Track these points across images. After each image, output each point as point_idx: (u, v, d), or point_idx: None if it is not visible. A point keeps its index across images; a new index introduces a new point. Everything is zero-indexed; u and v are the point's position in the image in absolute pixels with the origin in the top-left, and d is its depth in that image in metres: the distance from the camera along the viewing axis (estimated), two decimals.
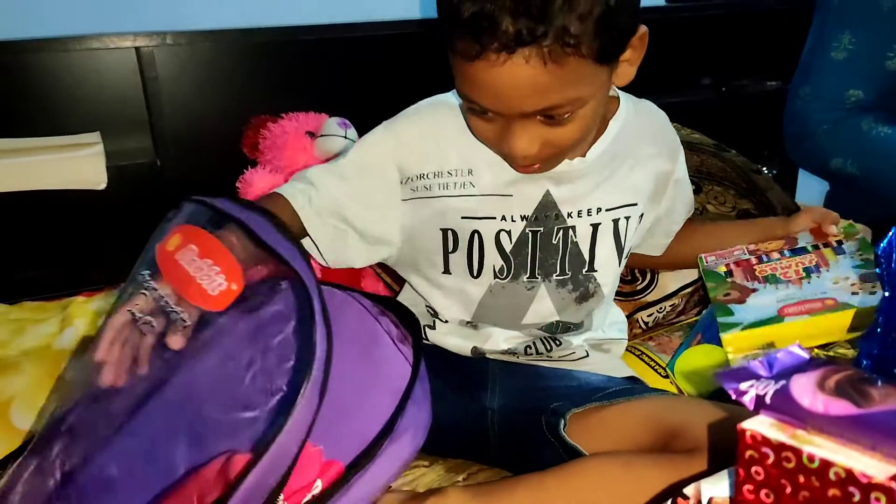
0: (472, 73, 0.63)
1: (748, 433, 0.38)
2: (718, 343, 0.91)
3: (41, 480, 0.59)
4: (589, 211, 0.78)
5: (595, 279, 0.81)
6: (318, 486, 0.56)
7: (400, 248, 0.83)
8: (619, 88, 0.80)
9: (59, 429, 0.61)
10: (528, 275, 0.79)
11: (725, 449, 0.61)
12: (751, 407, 0.39)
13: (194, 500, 0.52)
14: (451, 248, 0.80)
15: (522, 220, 0.77)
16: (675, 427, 0.68)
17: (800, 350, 0.44)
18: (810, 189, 1.53)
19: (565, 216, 0.78)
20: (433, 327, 0.86)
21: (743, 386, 0.40)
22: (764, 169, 1.42)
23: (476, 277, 0.80)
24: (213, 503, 0.49)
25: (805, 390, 0.38)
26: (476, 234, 0.78)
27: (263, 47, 1.19)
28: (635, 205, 0.81)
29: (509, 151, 0.68)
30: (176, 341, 0.57)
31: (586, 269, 0.80)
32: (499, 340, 0.82)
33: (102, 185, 1.06)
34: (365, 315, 0.68)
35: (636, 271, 1.07)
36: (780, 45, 1.63)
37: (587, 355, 0.84)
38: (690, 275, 1.10)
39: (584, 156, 0.76)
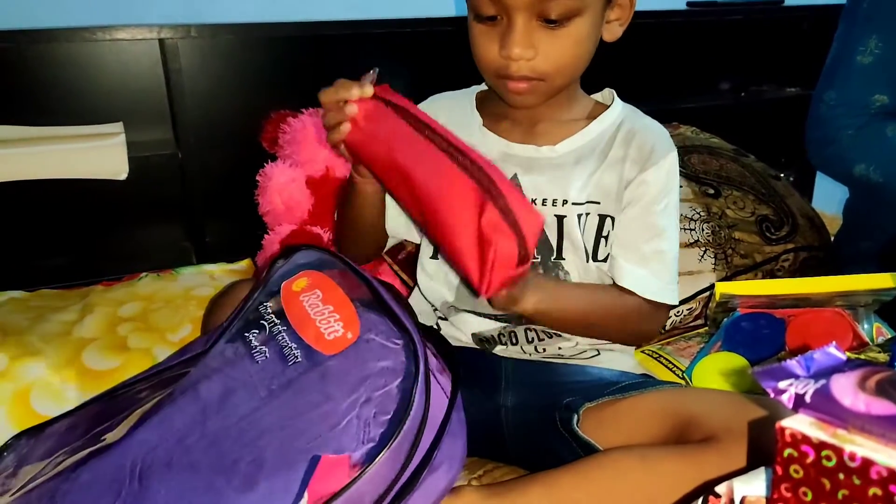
0: None
1: (788, 431, 0.37)
2: (738, 351, 0.91)
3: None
4: (554, 201, 0.80)
5: (563, 268, 0.81)
6: None
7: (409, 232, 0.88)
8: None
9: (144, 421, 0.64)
10: None
11: (740, 436, 0.62)
12: (790, 406, 0.39)
13: None
14: None
15: None
16: (690, 416, 0.68)
17: (836, 351, 0.43)
18: (828, 196, 1.52)
19: (530, 202, 0.78)
20: (438, 328, 0.86)
21: (782, 384, 0.39)
22: (782, 175, 1.42)
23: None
24: None
25: (846, 390, 0.38)
26: None
27: (286, 42, 1.20)
28: (598, 203, 0.81)
29: (508, 52, 0.73)
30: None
31: (554, 256, 0.81)
32: (472, 326, 0.83)
33: (124, 176, 1.07)
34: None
35: None
36: (800, 52, 1.62)
37: (598, 353, 0.84)
38: (708, 279, 1.10)
39: (554, 145, 0.80)
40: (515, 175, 0.80)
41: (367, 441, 0.56)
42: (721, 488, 0.42)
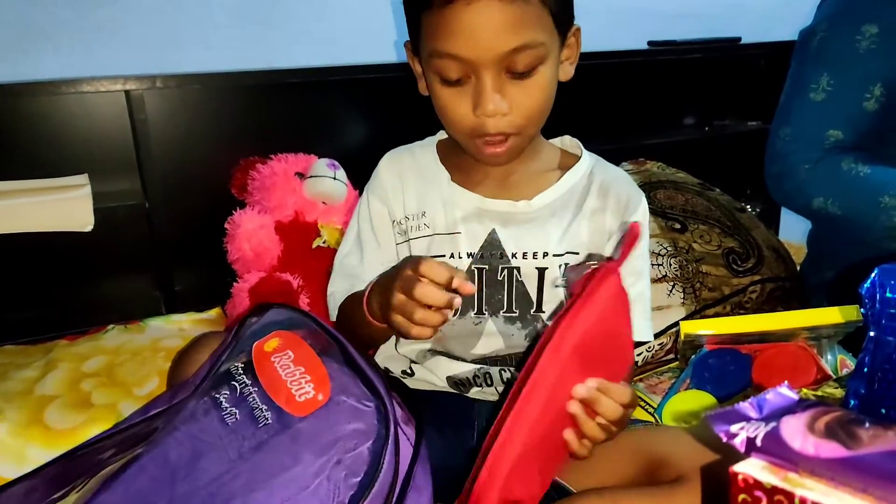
0: (447, 19, 0.69)
1: (740, 476, 0.38)
2: (706, 388, 0.92)
3: None
4: (535, 254, 0.80)
5: (543, 321, 0.81)
6: None
7: None
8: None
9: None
10: (475, 310, 0.81)
11: (709, 476, 0.62)
12: (742, 449, 0.39)
13: None
14: None
15: (469, 257, 0.80)
16: (660, 457, 0.68)
17: (789, 391, 0.44)
18: (793, 227, 1.55)
19: (510, 256, 0.80)
20: (412, 374, 0.86)
21: (733, 428, 0.40)
22: (748, 207, 1.44)
23: None
24: None
25: (795, 432, 0.38)
26: None
27: (252, 90, 1.21)
28: (577, 254, 0.82)
29: (482, 110, 0.72)
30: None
31: (534, 309, 0.81)
32: (447, 369, 0.83)
33: (89, 227, 1.06)
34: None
35: None
36: (758, 87, 1.67)
37: None
38: (677, 313, 1.11)
39: (530, 200, 0.81)
40: (493, 230, 0.80)
41: (338, 503, 0.56)
42: None
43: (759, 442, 0.38)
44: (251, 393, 0.64)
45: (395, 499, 0.58)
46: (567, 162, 0.84)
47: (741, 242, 1.22)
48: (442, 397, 0.84)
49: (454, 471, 0.79)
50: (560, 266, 0.81)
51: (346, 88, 1.28)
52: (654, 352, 1.09)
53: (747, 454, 0.39)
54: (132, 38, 1.17)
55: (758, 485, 0.37)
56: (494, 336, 0.82)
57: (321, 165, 1.16)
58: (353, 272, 0.85)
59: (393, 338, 0.89)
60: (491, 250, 0.80)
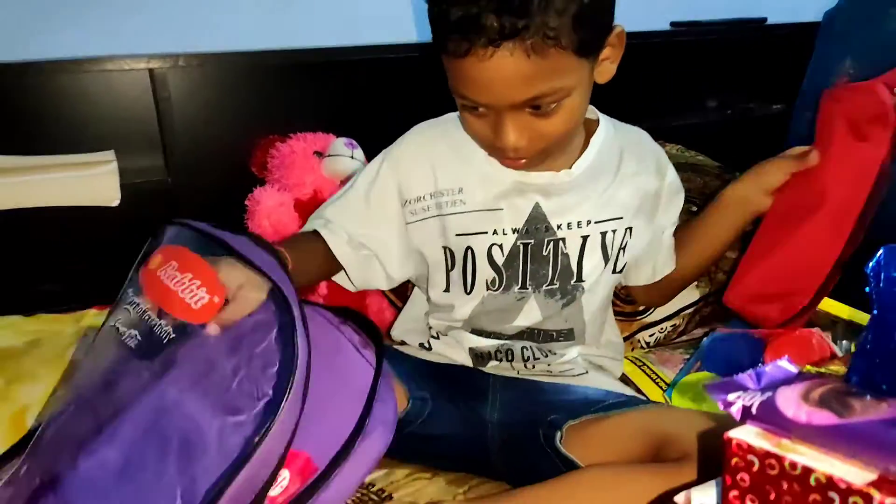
0: (463, 69, 0.68)
1: (734, 442, 0.39)
2: (717, 371, 0.92)
3: (25, 485, 0.61)
4: (578, 223, 0.81)
5: (583, 288, 0.83)
6: (286, 478, 0.57)
7: (415, 269, 0.86)
8: (602, 112, 0.86)
9: (47, 434, 0.63)
10: (519, 286, 0.82)
11: (714, 456, 0.63)
12: (737, 417, 0.40)
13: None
14: (449, 266, 0.83)
15: (514, 233, 0.80)
16: (666, 436, 0.70)
17: (788, 364, 0.45)
18: None
19: (555, 228, 0.81)
20: (429, 347, 0.88)
21: (731, 397, 0.41)
22: None
23: (469, 293, 0.83)
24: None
25: (790, 401, 0.39)
26: (469, 251, 0.81)
27: (272, 69, 1.22)
28: (621, 218, 0.83)
29: (500, 144, 0.72)
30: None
31: (574, 279, 0.82)
32: (470, 342, 0.85)
33: (116, 202, 1.09)
34: (327, 326, 0.71)
35: None
36: (784, 69, 1.65)
37: (586, 372, 0.86)
38: (691, 295, 1.11)
39: (570, 168, 0.80)
40: (537, 203, 0.80)
41: (262, 397, 0.56)
42: (679, 497, 0.43)
43: (754, 410, 0.39)
44: (145, 311, 0.61)
45: (352, 408, 0.59)
46: (588, 126, 0.84)
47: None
48: (458, 370, 0.86)
49: (467, 441, 0.81)
50: (602, 233, 0.82)
51: (366, 68, 1.29)
52: (666, 333, 1.10)
53: (742, 421, 0.40)
54: (156, 16, 1.19)
55: (751, 449, 0.38)
56: (534, 310, 0.82)
57: (339, 145, 1.17)
58: (324, 214, 0.85)
59: (422, 309, 0.90)
60: (536, 224, 0.80)
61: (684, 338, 1.12)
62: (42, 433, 0.63)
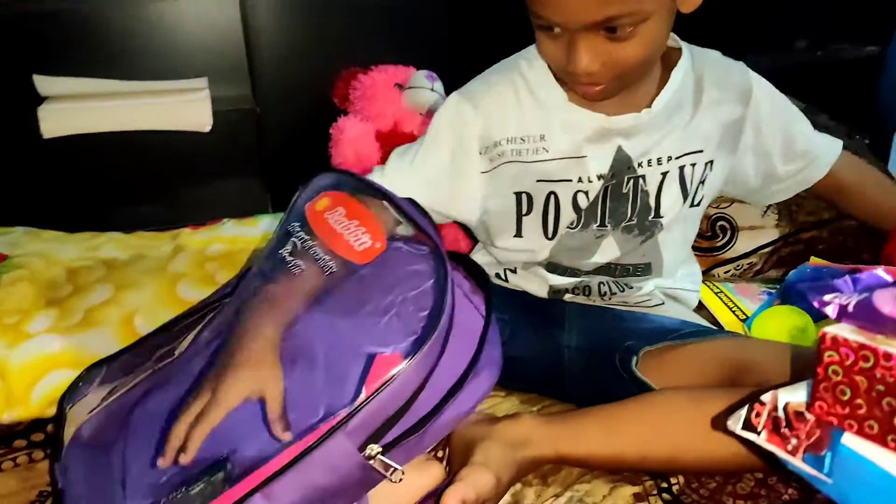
0: None
1: (829, 336, 0.40)
2: (800, 306, 0.90)
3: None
4: (659, 160, 0.79)
5: (661, 224, 0.82)
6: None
7: (478, 218, 0.86)
8: (684, 40, 0.82)
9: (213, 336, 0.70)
10: (598, 223, 0.81)
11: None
12: (833, 315, 0.41)
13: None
14: (524, 210, 0.82)
15: (599, 179, 0.79)
16: (746, 363, 0.70)
17: (884, 273, 0.45)
18: None
19: (636, 166, 0.79)
20: (505, 279, 0.89)
21: (827, 297, 0.42)
22: (857, 136, 1.37)
23: (550, 238, 0.83)
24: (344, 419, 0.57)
25: (887, 301, 0.40)
26: (553, 196, 0.80)
27: (358, 2, 1.23)
28: (701, 151, 0.81)
29: (573, 68, 0.70)
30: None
31: (652, 215, 0.81)
32: (547, 279, 0.85)
33: (208, 128, 1.14)
34: None
35: (717, 228, 1.07)
36: (879, 9, 1.56)
37: (663, 303, 0.86)
38: (770, 234, 1.09)
39: (650, 107, 0.77)
40: (619, 146, 0.78)
41: (410, 334, 0.62)
42: (766, 396, 0.45)
43: (850, 308, 0.40)
44: (312, 246, 0.68)
45: (458, 346, 0.63)
46: (669, 57, 0.80)
47: None
48: (535, 299, 0.88)
49: (544, 365, 0.84)
50: (681, 167, 0.80)
51: (447, 2, 1.29)
52: (742, 271, 1.09)
53: (838, 320, 0.41)
54: None
55: (846, 343, 0.39)
56: (611, 246, 0.82)
57: (420, 77, 1.19)
58: (398, 166, 0.83)
59: (495, 248, 0.89)
60: (620, 167, 0.79)
61: (759, 278, 1.11)
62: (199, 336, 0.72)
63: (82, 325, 0.85)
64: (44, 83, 1.13)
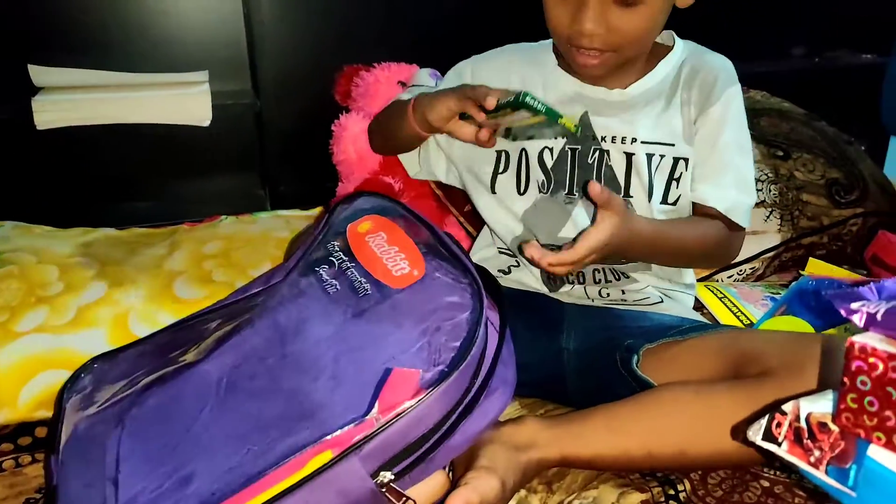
0: None
1: (857, 345, 0.39)
2: (804, 316, 0.90)
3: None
4: (623, 139, 0.83)
5: (631, 206, 0.83)
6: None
7: (458, 168, 0.92)
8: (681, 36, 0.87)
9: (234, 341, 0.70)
10: (566, 191, 0.84)
11: (798, 370, 0.64)
12: (861, 324, 0.41)
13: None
14: (501, 168, 0.88)
15: (563, 138, 0.84)
16: (746, 354, 0.70)
17: None
18: None
19: (600, 139, 0.83)
20: (508, 272, 0.89)
21: (854, 305, 0.41)
22: (854, 141, 1.38)
23: (522, 194, 0.87)
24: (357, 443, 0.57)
25: None
26: (524, 153, 0.86)
27: None
28: (672, 145, 0.83)
29: (578, 27, 0.75)
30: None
31: (621, 194, 0.83)
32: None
33: (207, 122, 1.12)
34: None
35: None
36: (876, 17, 1.56)
37: (661, 301, 0.86)
38: (772, 239, 1.10)
39: (624, 88, 0.83)
40: (586, 112, 0.84)
41: (438, 364, 0.61)
42: (788, 406, 0.44)
43: (879, 317, 0.40)
44: (349, 268, 0.70)
45: (485, 366, 0.63)
46: (661, 52, 0.86)
47: (846, 174, 1.19)
48: (533, 298, 0.88)
49: (544, 368, 0.83)
50: (649, 155, 0.83)
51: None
52: (744, 276, 1.09)
53: (866, 328, 0.40)
54: None
55: (875, 353, 0.38)
56: (581, 216, 0.84)
57: (423, 75, 1.17)
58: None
59: (491, 236, 0.92)
60: (583, 131, 0.83)
61: (761, 283, 1.11)
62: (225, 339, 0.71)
63: (74, 324, 0.82)
64: (39, 73, 1.11)
